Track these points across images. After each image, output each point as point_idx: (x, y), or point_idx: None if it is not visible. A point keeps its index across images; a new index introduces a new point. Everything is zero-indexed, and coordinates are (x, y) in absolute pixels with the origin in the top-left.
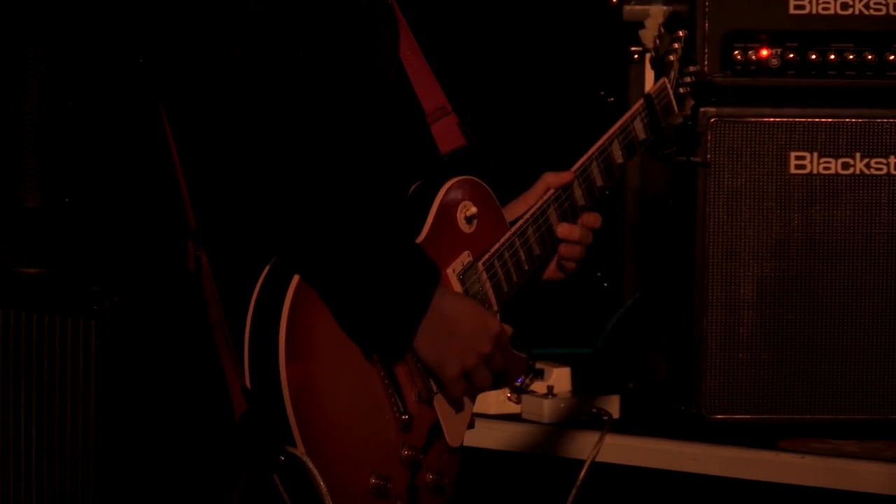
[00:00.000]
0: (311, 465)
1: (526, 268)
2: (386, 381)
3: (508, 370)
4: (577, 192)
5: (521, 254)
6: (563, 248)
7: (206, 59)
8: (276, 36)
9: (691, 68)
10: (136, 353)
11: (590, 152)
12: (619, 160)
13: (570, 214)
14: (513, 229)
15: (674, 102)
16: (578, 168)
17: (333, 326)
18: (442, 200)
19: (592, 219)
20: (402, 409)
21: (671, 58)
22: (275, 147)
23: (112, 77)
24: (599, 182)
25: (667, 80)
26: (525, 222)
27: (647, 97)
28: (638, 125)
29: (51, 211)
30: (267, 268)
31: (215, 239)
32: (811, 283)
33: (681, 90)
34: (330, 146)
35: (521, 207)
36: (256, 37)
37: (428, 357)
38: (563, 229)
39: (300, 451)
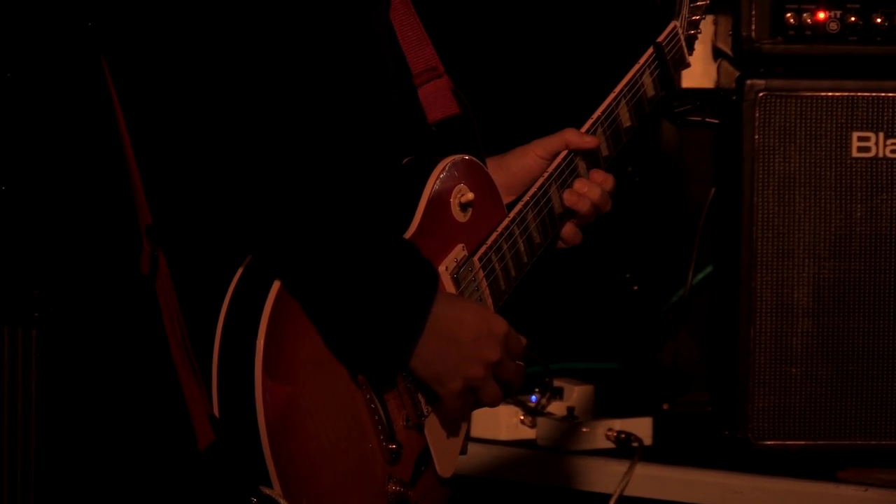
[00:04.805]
0: None
1: (525, 260)
2: (372, 406)
3: (516, 380)
4: (581, 166)
5: (521, 244)
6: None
7: (167, 19)
8: None
9: (700, 2)
10: (80, 369)
11: (594, 117)
12: (627, 123)
13: None
14: (511, 215)
15: (685, 50)
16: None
17: (316, 343)
18: (434, 186)
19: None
20: (389, 438)
21: None
22: (251, 126)
23: (52, 41)
24: (605, 152)
25: (677, 24)
26: (524, 206)
27: (658, 46)
28: (647, 80)
29: None
30: (240, 271)
31: (176, 236)
32: (876, 286)
33: (691, 31)
34: (312, 124)
35: (528, 161)
36: None
37: (425, 373)
38: (570, 198)
39: (276, 492)
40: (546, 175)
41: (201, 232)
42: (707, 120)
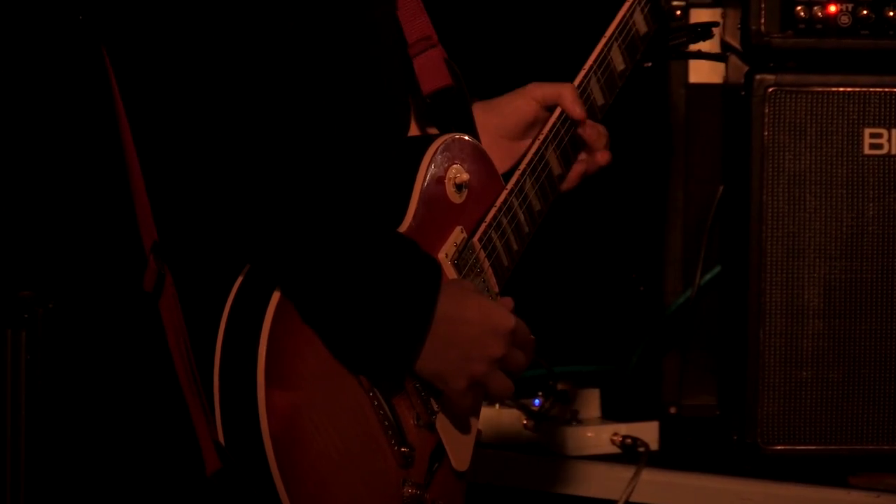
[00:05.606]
0: None
1: (527, 230)
2: (381, 411)
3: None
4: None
5: (521, 215)
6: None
7: (165, 9)
8: None
9: None
10: (77, 382)
11: (586, 67)
12: (621, 67)
13: (570, 152)
14: (508, 186)
15: None
16: (577, 87)
17: (319, 352)
18: (428, 170)
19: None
20: (400, 441)
21: None
22: (249, 126)
23: (47, 36)
24: (600, 100)
25: None
26: (521, 174)
27: None
28: (638, 17)
29: None
30: (239, 280)
31: (183, 254)
32: (889, 287)
33: None
34: (313, 117)
35: (521, 103)
36: None
37: (429, 373)
38: (589, 132)
39: None
40: (541, 138)
41: (205, 247)
42: (703, 52)
